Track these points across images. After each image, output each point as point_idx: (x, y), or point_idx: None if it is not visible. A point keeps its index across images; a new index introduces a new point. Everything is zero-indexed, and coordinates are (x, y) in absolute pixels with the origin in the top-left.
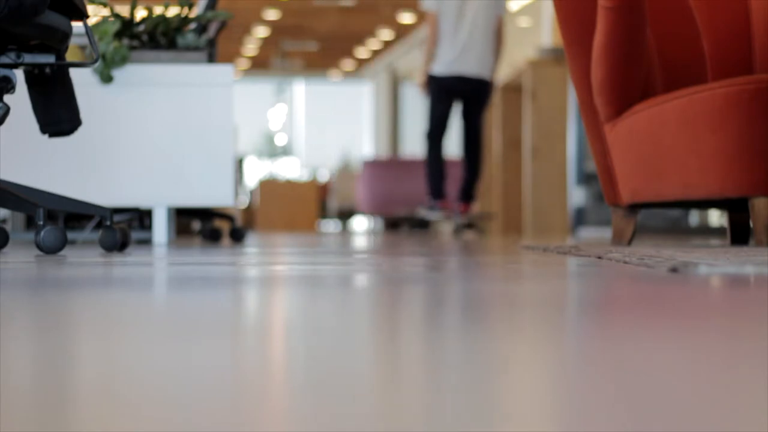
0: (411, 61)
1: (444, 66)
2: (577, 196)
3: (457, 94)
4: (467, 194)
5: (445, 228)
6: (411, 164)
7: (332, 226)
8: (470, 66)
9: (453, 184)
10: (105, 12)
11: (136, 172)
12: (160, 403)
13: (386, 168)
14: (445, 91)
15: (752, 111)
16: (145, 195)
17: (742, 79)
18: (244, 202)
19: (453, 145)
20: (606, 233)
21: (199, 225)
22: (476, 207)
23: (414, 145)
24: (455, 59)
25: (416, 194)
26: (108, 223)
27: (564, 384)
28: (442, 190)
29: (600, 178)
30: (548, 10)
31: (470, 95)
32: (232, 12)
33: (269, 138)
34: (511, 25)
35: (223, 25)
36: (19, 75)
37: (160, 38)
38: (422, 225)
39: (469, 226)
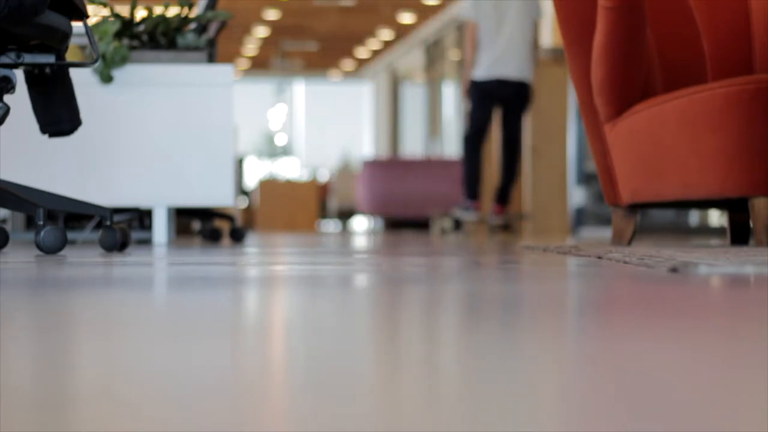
0: (411, 61)
1: (484, 70)
2: (577, 196)
3: (498, 99)
4: (503, 196)
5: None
6: (411, 164)
7: (332, 226)
8: (510, 69)
9: (453, 185)
10: (105, 12)
11: (136, 172)
12: (160, 403)
13: (386, 168)
14: (486, 96)
15: (752, 111)
16: (145, 195)
17: (742, 79)
18: (243, 202)
19: (451, 144)
20: (606, 233)
21: (199, 225)
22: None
23: (414, 145)
24: (495, 62)
25: (416, 194)
26: (108, 223)
27: (564, 384)
28: (478, 192)
29: (600, 178)
30: (548, 10)
31: (511, 98)
32: (232, 12)
33: (269, 138)
34: None
35: (223, 25)
36: (19, 75)
37: (160, 38)
38: (421, 226)
39: (505, 227)
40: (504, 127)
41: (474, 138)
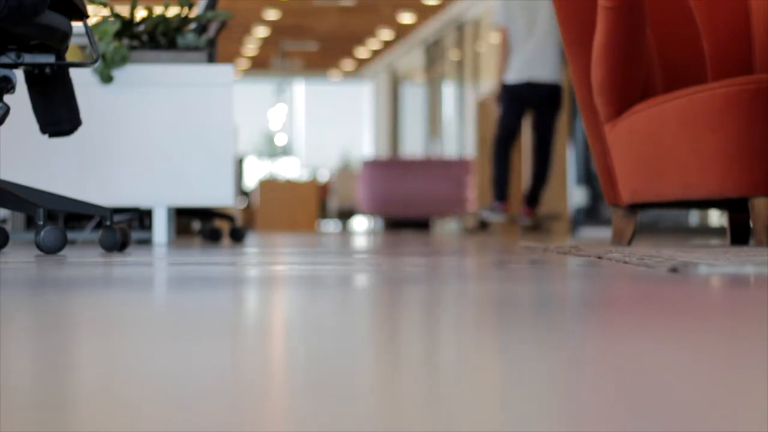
0: (411, 61)
1: (516, 73)
2: (577, 196)
3: (529, 102)
4: (532, 198)
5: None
6: (411, 164)
7: (332, 226)
8: (541, 72)
9: (454, 185)
10: (105, 12)
11: (136, 172)
12: (160, 403)
13: (386, 168)
14: (517, 99)
15: (752, 111)
16: (145, 195)
17: (742, 79)
18: (243, 202)
19: (451, 144)
20: (606, 233)
21: (199, 225)
22: (507, 206)
23: (414, 145)
24: (525, 66)
25: (416, 194)
26: (108, 223)
27: (564, 384)
28: (506, 194)
29: (600, 178)
30: None
31: (542, 101)
32: (232, 12)
33: (269, 138)
34: None
35: (223, 25)
36: (19, 75)
37: (160, 38)
38: (421, 226)
39: (535, 227)
40: (535, 130)
41: (503, 141)
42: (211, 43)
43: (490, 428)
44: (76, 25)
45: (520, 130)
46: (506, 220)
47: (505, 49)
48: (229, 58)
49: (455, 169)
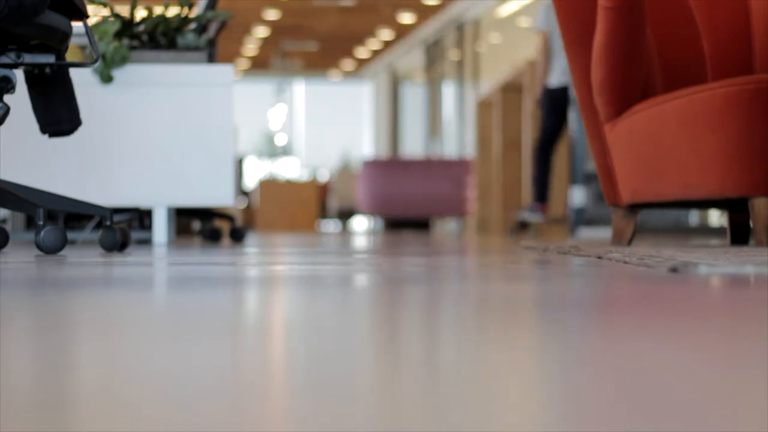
0: (411, 61)
1: (556, 78)
2: (577, 196)
3: (571, 105)
4: None
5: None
6: (411, 164)
7: (332, 226)
8: None
9: (454, 185)
10: (105, 12)
11: (136, 172)
12: (160, 403)
13: (386, 168)
14: (558, 103)
15: (752, 111)
16: (145, 195)
17: (742, 79)
18: (243, 202)
19: (451, 144)
20: (606, 233)
21: (199, 225)
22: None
23: (414, 145)
24: (566, 69)
25: (416, 194)
26: (108, 223)
27: (564, 384)
28: (546, 195)
29: (600, 178)
30: None
31: None
32: (232, 12)
33: (269, 138)
34: (511, 26)
35: (223, 25)
36: (19, 75)
37: (160, 38)
38: (421, 226)
39: None
40: None
41: (545, 145)
42: (211, 43)
43: (490, 428)
44: (76, 25)
45: (563, 133)
46: (546, 221)
47: (547, 54)
48: (229, 58)
49: (455, 169)
